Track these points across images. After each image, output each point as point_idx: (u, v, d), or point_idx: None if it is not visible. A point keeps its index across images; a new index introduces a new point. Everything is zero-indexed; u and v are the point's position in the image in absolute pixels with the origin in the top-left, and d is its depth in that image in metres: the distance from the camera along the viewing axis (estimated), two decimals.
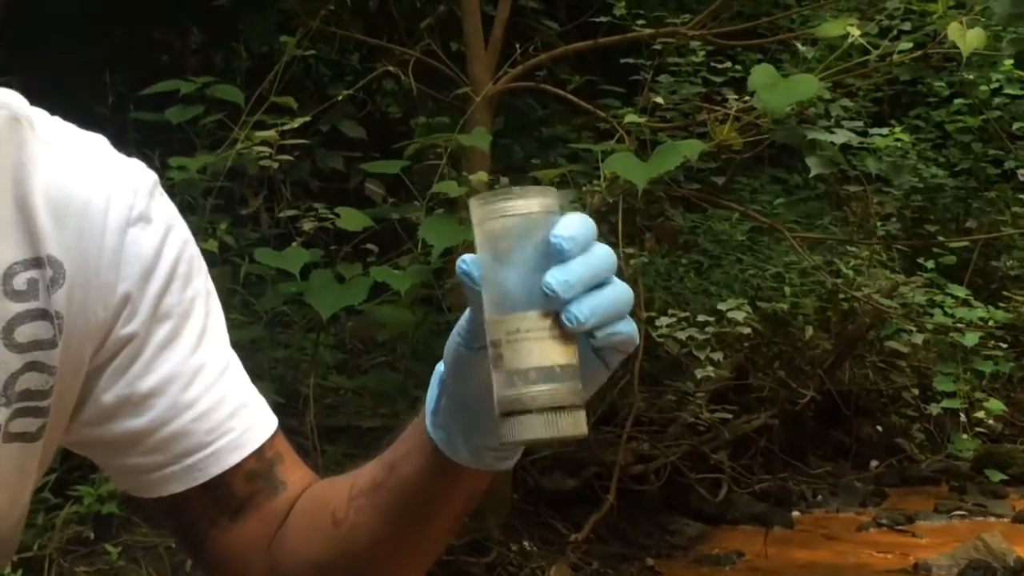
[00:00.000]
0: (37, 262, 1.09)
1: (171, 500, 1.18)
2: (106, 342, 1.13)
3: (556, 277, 0.89)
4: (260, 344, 3.73)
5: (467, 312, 0.98)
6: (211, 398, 1.16)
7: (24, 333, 1.09)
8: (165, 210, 1.15)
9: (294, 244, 3.65)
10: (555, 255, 0.90)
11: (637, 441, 4.24)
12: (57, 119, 1.12)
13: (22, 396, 1.09)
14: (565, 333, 0.89)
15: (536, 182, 3.83)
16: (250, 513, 1.18)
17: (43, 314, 1.10)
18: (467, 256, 0.92)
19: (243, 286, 3.88)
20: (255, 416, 1.18)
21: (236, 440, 1.16)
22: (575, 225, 0.91)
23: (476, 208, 0.91)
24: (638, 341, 0.95)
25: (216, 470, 1.16)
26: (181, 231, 1.17)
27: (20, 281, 1.09)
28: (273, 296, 3.76)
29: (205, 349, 1.17)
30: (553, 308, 0.90)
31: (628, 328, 0.93)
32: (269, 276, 3.80)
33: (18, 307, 1.09)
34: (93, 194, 1.11)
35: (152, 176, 1.16)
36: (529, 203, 0.90)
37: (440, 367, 1.06)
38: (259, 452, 1.17)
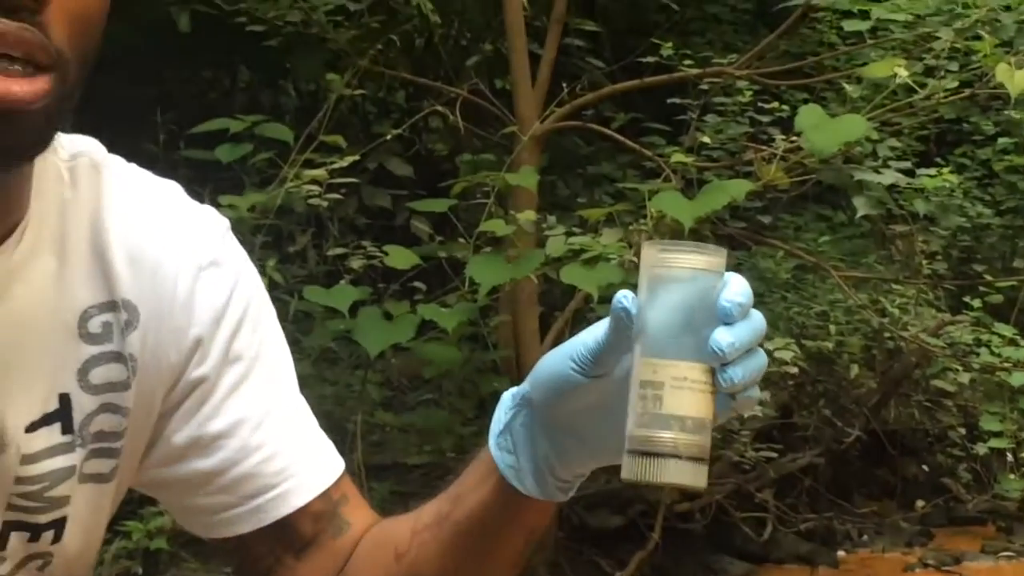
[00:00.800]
0: (112, 305, 1.10)
1: (237, 540, 1.18)
2: (177, 384, 1.13)
3: (726, 339, 0.95)
4: (307, 381, 3.70)
5: (591, 342, 1.00)
6: (279, 441, 1.16)
7: (99, 375, 1.10)
8: (235, 256, 1.17)
9: (342, 282, 3.67)
10: (722, 316, 0.95)
11: None
12: (133, 166, 1.14)
13: (96, 437, 1.10)
14: (715, 388, 0.95)
15: (583, 221, 3.84)
16: (315, 552, 1.18)
17: (117, 356, 1.11)
18: (628, 293, 0.97)
19: (291, 323, 3.89)
20: (322, 459, 1.19)
21: (303, 482, 1.17)
22: (742, 291, 0.96)
23: (652, 253, 0.97)
24: None
25: (283, 511, 1.16)
26: (251, 276, 1.18)
27: (95, 324, 1.10)
28: (321, 333, 3.78)
29: (274, 392, 1.17)
30: (714, 364, 0.95)
31: (758, 394, 0.99)
32: (317, 313, 3.81)
33: (93, 349, 1.10)
34: (167, 240, 1.13)
35: (223, 223, 1.18)
36: (703, 260, 0.95)
37: (516, 389, 1.09)
38: (325, 494, 1.17)
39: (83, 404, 1.10)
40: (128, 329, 1.11)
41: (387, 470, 3.97)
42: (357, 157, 3.90)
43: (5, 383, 1.06)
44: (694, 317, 0.95)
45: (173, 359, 1.13)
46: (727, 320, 0.96)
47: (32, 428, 1.07)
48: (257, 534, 1.18)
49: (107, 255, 1.10)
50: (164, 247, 1.13)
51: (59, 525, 1.10)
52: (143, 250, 1.12)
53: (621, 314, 0.98)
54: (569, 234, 3.69)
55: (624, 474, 0.96)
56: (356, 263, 3.81)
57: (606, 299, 3.58)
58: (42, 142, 0.99)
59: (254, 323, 1.17)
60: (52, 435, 1.08)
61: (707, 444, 0.96)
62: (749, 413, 4.31)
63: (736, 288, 0.97)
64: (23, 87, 0.94)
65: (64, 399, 1.09)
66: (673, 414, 0.95)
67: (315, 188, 3.73)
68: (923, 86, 3.79)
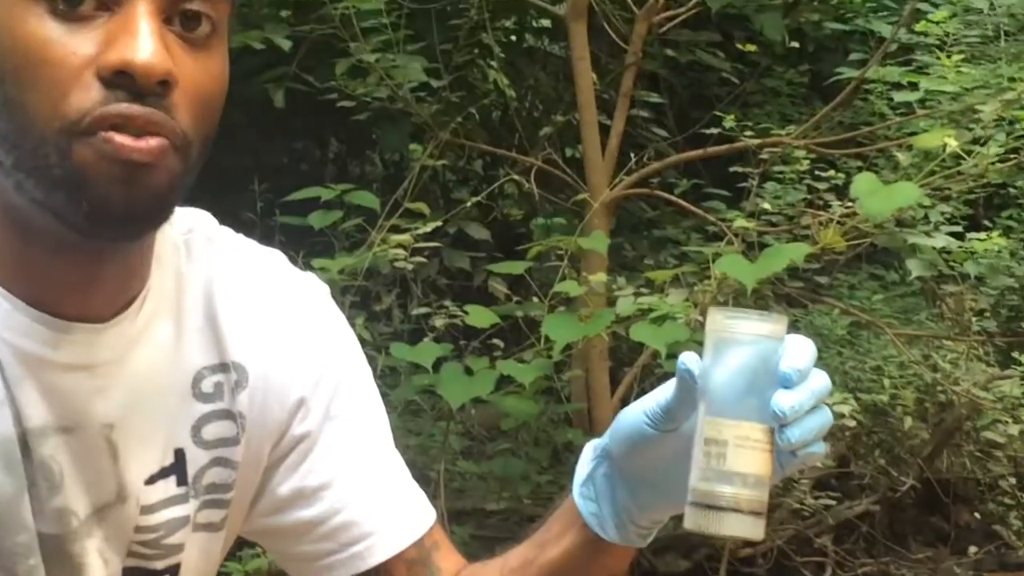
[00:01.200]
0: (223, 367, 1.16)
1: None
2: (282, 440, 1.19)
3: (787, 402, 1.00)
4: (394, 432, 3.82)
5: (662, 399, 1.06)
6: (376, 491, 1.21)
7: (211, 431, 1.16)
8: (335, 319, 1.24)
9: (426, 339, 3.75)
10: (783, 382, 1.00)
11: None
12: (241, 237, 1.21)
13: (208, 489, 1.16)
14: (774, 447, 1.01)
15: (650, 281, 3.93)
16: None
17: (228, 414, 1.17)
18: (691, 356, 1.03)
19: (379, 378, 4.00)
20: (415, 508, 1.25)
21: (398, 530, 1.22)
22: (803, 356, 1.02)
23: (717, 318, 1.03)
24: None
25: (380, 558, 1.21)
26: (349, 338, 1.25)
27: (208, 384, 1.15)
28: (407, 387, 3.85)
29: (370, 447, 1.23)
30: (775, 425, 1.00)
31: (821, 449, 1.03)
32: (403, 368, 3.89)
33: (206, 408, 1.15)
34: (272, 307, 1.19)
35: (324, 289, 1.25)
36: (766, 327, 1.01)
37: (598, 442, 1.14)
38: (419, 541, 1.22)
39: (196, 458, 1.15)
40: (238, 389, 1.16)
41: (468, 515, 4.03)
42: (439, 223, 3.98)
43: (127, 440, 1.10)
44: (756, 380, 1.00)
45: (278, 416, 1.18)
46: (787, 385, 1.00)
47: (151, 481, 1.12)
48: None
49: (218, 320, 1.16)
50: (270, 313, 1.18)
51: (174, 571, 1.15)
52: (251, 316, 1.17)
53: (685, 375, 1.03)
54: (637, 294, 3.72)
55: (687, 524, 1.01)
56: (439, 322, 3.90)
57: (673, 355, 3.67)
58: (165, 210, 1.04)
59: (352, 383, 1.22)
60: (168, 487, 1.13)
61: (765, 499, 1.00)
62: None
63: (796, 353, 1.01)
64: (150, 143, 0.98)
65: (179, 454, 1.14)
66: (736, 471, 0.99)
67: (400, 252, 3.81)
68: (970, 153, 3.86)
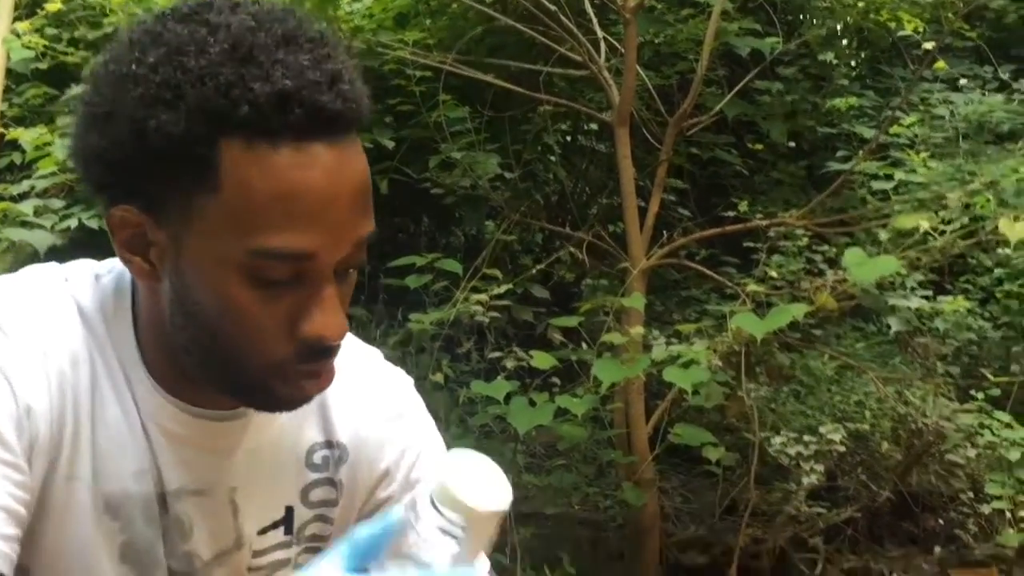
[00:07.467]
0: (329, 444, 1.12)
1: None
2: (369, 500, 1.15)
3: None
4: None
5: None
6: None
7: (316, 495, 1.12)
8: (416, 406, 1.18)
9: (499, 377, 3.65)
10: None
11: (752, 527, 4.10)
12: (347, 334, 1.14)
13: (309, 539, 1.12)
14: None
15: (678, 333, 3.80)
16: None
17: (331, 482, 1.12)
18: None
19: (460, 407, 3.89)
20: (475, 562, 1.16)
21: None
22: None
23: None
24: None
25: None
26: (428, 422, 1.19)
27: (318, 457, 1.12)
28: (482, 416, 3.77)
29: None
30: None
31: None
32: (479, 400, 3.80)
33: (314, 476, 1.12)
34: (367, 396, 1.14)
35: (409, 381, 1.20)
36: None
37: None
38: None
39: (302, 515, 1.11)
40: (340, 463, 1.12)
41: (529, 518, 3.91)
42: (510, 285, 3.91)
43: (247, 500, 1.07)
44: None
45: (368, 484, 1.14)
46: None
47: (263, 531, 1.09)
48: None
49: (327, 408, 1.12)
50: (366, 402, 1.14)
51: None
52: (351, 404, 1.13)
53: None
54: (668, 343, 3.67)
55: None
56: (509, 363, 3.81)
57: (696, 392, 3.53)
58: None
59: (429, 456, 1.16)
60: (277, 535, 1.10)
61: None
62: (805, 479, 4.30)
63: None
64: (324, 384, 0.99)
65: (289, 510, 1.10)
66: None
67: (479, 307, 3.75)
68: (937, 231, 3.70)
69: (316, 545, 1.13)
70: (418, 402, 1.20)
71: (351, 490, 1.14)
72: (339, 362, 1.06)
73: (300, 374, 0.96)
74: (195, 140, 0.89)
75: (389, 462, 1.14)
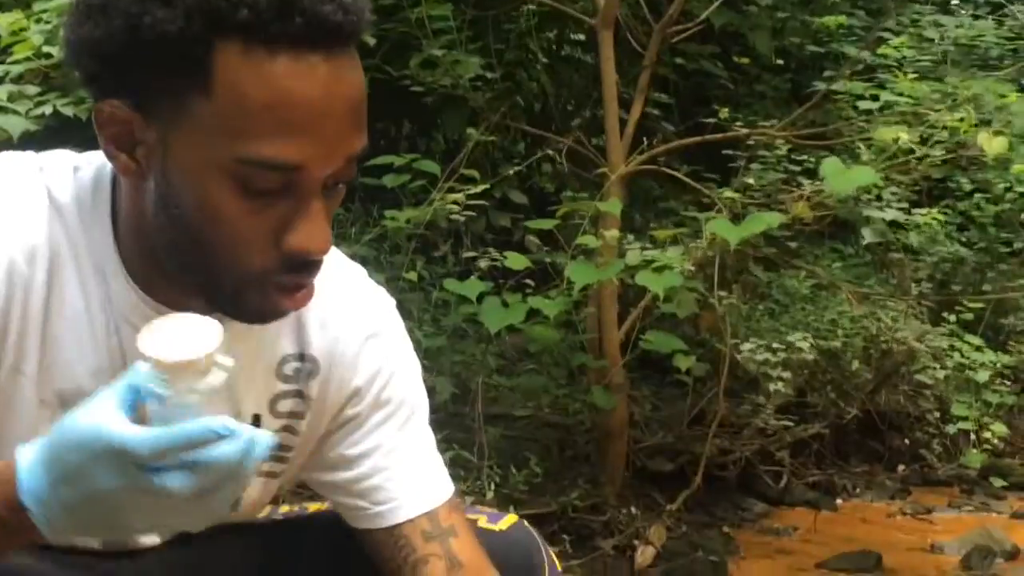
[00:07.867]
0: (302, 357, 1.12)
1: (370, 539, 1.17)
2: (337, 417, 1.15)
3: None
4: (443, 351, 3.72)
5: None
6: (403, 465, 1.16)
7: (284, 406, 1.13)
8: (394, 326, 1.18)
9: (472, 277, 3.64)
10: None
11: (720, 438, 4.14)
12: (332, 249, 1.11)
13: (274, 448, 1.07)
14: None
15: (653, 240, 3.79)
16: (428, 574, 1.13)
17: (299, 394, 1.13)
18: None
19: (433, 307, 3.89)
20: (434, 484, 1.18)
21: (414, 499, 1.16)
22: None
23: None
24: None
25: (398, 519, 1.15)
26: (404, 344, 1.19)
27: (289, 368, 1.12)
28: (455, 315, 3.76)
29: (407, 430, 1.17)
30: None
31: None
32: (452, 300, 3.79)
33: (284, 387, 1.12)
34: (346, 313, 1.14)
35: (390, 302, 1.19)
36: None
37: None
38: (433, 515, 1.15)
39: (268, 424, 1.11)
40: (311, 376, 1.13)
41: (499, 419, 3.92)
42: (487, 187, 3.87)
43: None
44: None
45: (337, 400, 1.15)
46: None
47: None
48: (382, 535, 1.16)
49: (304, 320, 1.12)
50: (343, 318, 1.14)
51: (236, 504, 1.10)
52: (328, 319, 1.13)
53: None
54: (643, 249, 3.66)
55: None
56: (483, 264, 3.79)
57: (669, 299, 3.53)
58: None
59: (400, 378, 1.16)
60: None
61: None
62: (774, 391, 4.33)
63: None
64: (300, 299, 0.99)
65: (256, 418, 1.10)
66: None
67: (455, 207, 3.72)
68: (918, 152, 3.68)
69: (280, 455, 1.14)
70: (397, 323, 1.18)
71: (320, 404, 1.13)
72: (321, 277, 1.04)
73: (278, 287, 0.95)
74: (190, 39, 0.88)
75: (361, 380, 1.14)
